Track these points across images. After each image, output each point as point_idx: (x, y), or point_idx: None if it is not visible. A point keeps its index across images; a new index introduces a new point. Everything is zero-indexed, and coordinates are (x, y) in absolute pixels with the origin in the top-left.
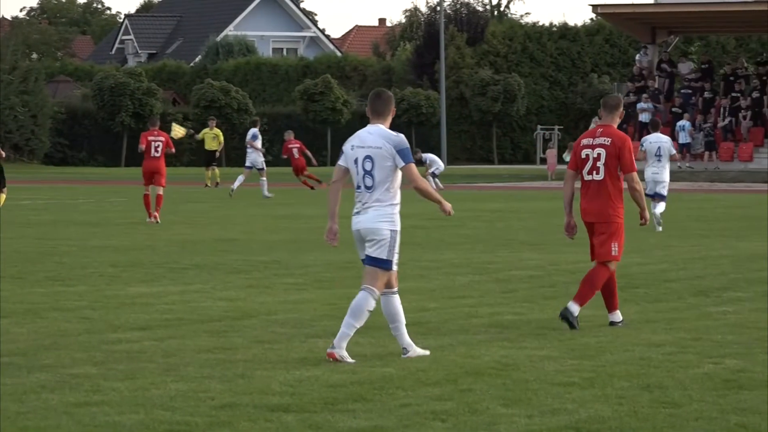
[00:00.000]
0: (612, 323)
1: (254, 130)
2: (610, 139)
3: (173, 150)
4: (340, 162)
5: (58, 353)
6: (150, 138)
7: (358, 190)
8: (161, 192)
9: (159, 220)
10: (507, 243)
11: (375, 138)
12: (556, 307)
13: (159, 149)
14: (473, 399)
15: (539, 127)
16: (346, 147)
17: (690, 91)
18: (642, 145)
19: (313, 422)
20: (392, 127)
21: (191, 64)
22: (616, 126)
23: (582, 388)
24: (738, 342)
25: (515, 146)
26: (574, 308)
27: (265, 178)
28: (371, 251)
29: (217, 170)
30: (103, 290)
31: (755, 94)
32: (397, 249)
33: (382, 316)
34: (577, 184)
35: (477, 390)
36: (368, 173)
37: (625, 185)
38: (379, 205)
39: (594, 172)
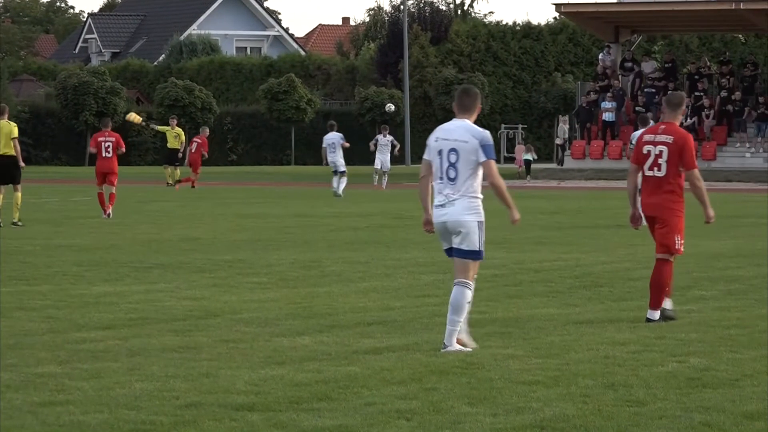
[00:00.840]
0: (658, 317)
1: (340, 134)
2: (672, 137)
3: (123, 149)
4: (426, 156)
5: (22, 353)
6: (100, 139)
7: (440, 182)
8: (114, 191)
9: (111, 214)
10: None
11: (462, 132)
12: (521, 306)
13: (110, 149)
14: (438, 398)
15: (503, 126)
16: (431, 140)
17: (653, 90)
18: (632, 141)
19: (278, 421)
20: (358, 126)
21: (155, 63)
22: (678, 123)
23: (546, 386)
24: (702, 340)
25: None
26: (655, 314)
27: (345, 179)
28: (461, 244)
29: (177, 170)
30: (68, 289)
31: (723, 93)
32: (483, 239)
33: (344, 315)
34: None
35: (442, 389)
36: (452, 165)
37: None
38: (463, 197)
39: (655, 168)
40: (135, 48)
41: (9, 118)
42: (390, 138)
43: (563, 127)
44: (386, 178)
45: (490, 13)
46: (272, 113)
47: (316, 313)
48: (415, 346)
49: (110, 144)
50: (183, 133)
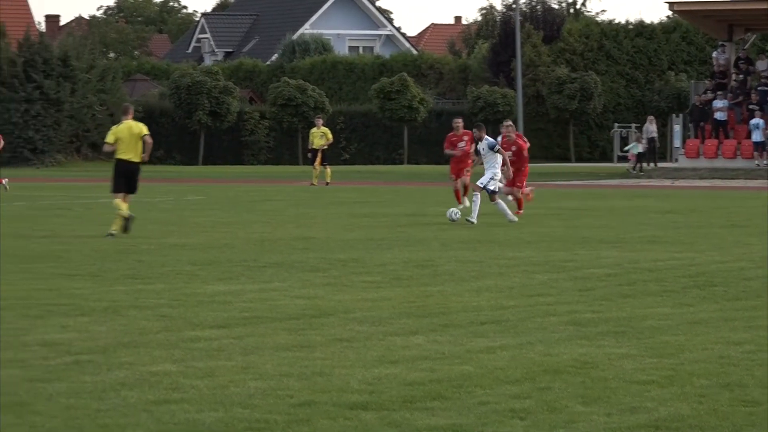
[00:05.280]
0: None
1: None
2: None
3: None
4: None
5: (137, 351)
6: None
7: None
8: None
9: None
10: (585, 241)
11: None
12: (635, 305)
13: None
14: (552, 397)
15: (616, 125)
16: None
17: (767, 89)
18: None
19: (392, 420)
20: (470, 125)
21: (267, 63)
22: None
23: (661, 386)
24: None
25: (592, 144)
26: None
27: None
28: None
29: (328, 169)
30: (182, 288)
31: None
32: None
33: (458, 314)
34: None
35: (555, 388)
36: None
37: None
38: None
39: None
40: (248, 47)
41: (122, 118)
42: None
43: (648, 127)
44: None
45: (602, 11)
46: (384, 112)
47: (429, 312)
48: (529, 345)
49: None
50: (329, 131)
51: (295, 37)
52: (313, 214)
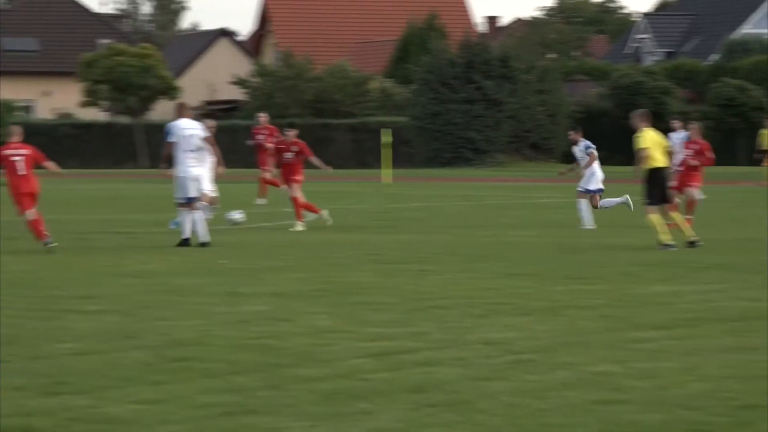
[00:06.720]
0: None
1: None
2: None
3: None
4: None
5: (578, 351)
6: (7, 152)
7: None
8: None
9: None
10: None
11: None
12: None
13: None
14: None
15: None
16: None
17: None
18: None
19: None
20: None
21: (707, 62)
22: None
23: None
24: None
25: None
26: None
27: None
28: None
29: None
30: (623, 289)
31: None
32: None
33: None
34: None
35: None
36: None
37: None
38: None
39: None
40: (688, 47)
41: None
42: None
43: None
44: None
45: None
46: None
47: None
48: None
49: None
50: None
51: (735, 35)
52: (757, 215)
